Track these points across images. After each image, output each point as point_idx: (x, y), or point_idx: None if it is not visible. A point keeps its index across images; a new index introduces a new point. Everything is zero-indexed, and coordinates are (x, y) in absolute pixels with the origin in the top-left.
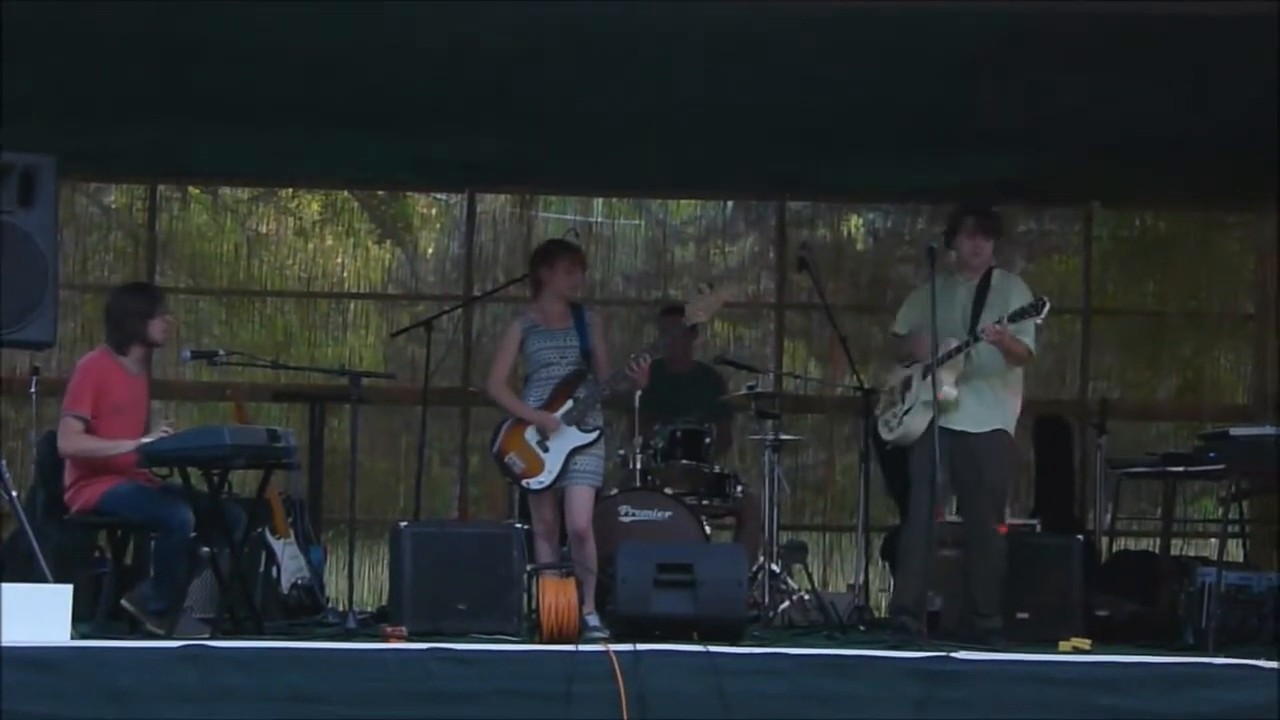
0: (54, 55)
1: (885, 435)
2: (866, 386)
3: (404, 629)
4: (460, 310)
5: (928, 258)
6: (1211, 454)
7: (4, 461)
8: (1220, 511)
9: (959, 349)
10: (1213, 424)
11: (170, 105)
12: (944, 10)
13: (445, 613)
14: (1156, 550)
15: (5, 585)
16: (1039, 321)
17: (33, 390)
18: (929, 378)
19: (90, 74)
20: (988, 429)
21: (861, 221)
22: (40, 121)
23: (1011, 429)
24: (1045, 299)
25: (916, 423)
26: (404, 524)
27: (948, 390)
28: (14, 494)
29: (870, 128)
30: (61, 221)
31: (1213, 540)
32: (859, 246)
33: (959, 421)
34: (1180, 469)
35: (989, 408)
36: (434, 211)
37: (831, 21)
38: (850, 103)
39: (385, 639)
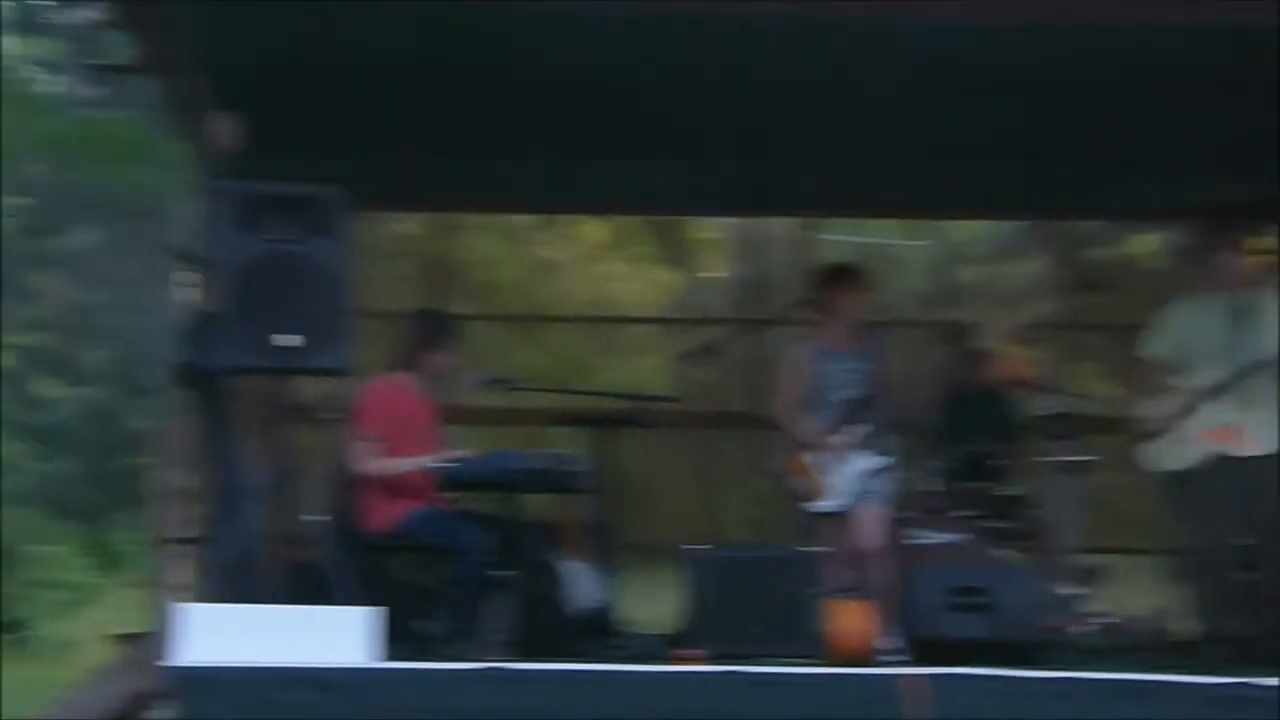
0: (343, 89)
1: (1166, 466)
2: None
3: (699, 652)
4: (746, 333)
5: (1215, 275)
6: None
7: (302, 486)
8: None
9: (1240, 375)
10: None
11: (458, 137)
12: (1222, 25)
13: (738, 636)
14: None
15: (310, 608)
16: None
17: (328, 417)
18: (1206, 406)
19: (378, 107)
20: (1276, 450)
21: (1153, 240)
22: (332, 153)
23: None
24: None
25: (1196, 452)
26: (695, 548)
27: (1230, 417)
28: (314, 518)
29: (1156, 147)
30: (354, 250)
31: None
32: (1150, 265)
33: (1246, 447)
34: None
35: (1272, 427)
36: (718, 235)
37: (1110, 36)
38: (1138, 121)
39: (679, 662)
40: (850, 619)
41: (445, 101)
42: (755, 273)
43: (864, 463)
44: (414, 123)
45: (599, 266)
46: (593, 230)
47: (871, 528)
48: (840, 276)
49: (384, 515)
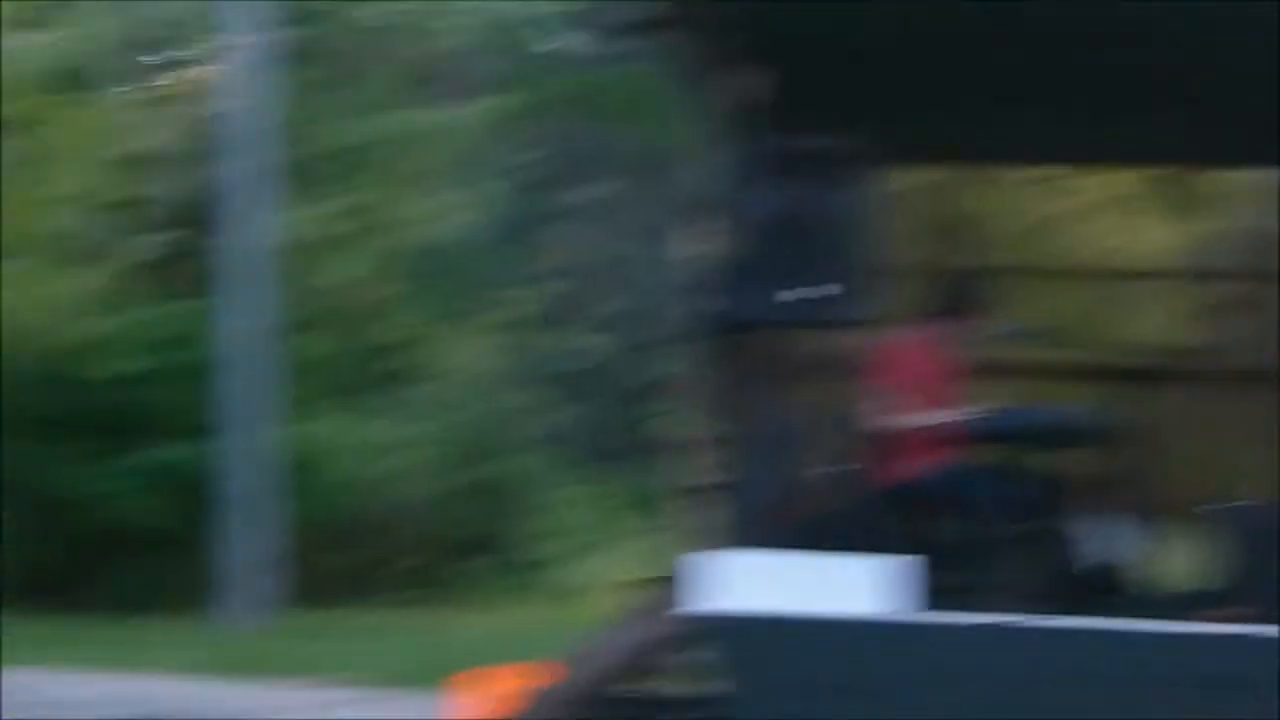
0: (867, 43)
1: None
2: None
3: (1230, 611)
4: (1267, 286)
5: None
6: None
7: (823, 438)
8: None
9: None
10: None
11: (983, 91)
12: None
13: (1270, 596)
14: None
15: (840, 557)
16: None
17: (849, 369)
18: None
19: (904, 62)
20: None
21: None
22: (853, 107)
23: None
24: None
25: None
26: (1227, 505)
27: None
28: (834, 469)
29: None
30: (873, 205)
31: None
32: None
33: None
34: None
35: None
36: (1237, 186)
37: None
38: None
39: (1210, 621)
40: None
41: (971, 56)
42: (1275, 223)
43: None
44: (939, 78)
45: (1113, 218)
46: (1106, 182)
47: None
48: None
49: (905, 468)
